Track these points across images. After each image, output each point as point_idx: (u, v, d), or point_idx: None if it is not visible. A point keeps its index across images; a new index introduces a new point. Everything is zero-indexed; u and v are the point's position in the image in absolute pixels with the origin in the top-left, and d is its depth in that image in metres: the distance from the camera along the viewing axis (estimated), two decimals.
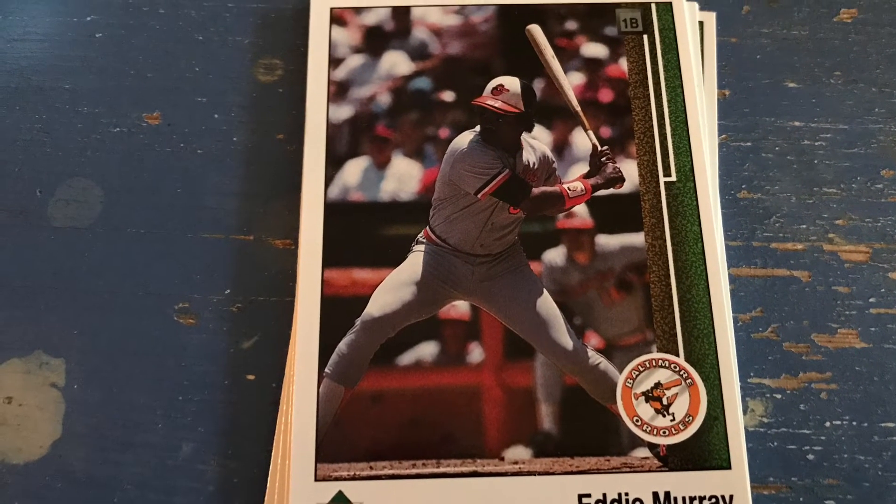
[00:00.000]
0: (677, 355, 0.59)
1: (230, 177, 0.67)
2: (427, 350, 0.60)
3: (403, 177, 0.64)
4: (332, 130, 0.65)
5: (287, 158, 0.67)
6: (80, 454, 0.59)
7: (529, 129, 0.64)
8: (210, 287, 0.63)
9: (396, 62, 0.68)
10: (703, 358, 0.59)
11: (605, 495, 0.56)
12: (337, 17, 0.69)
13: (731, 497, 0.55)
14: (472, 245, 0.63)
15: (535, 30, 0.67)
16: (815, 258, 0.64)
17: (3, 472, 0.59)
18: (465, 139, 0.63)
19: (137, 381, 0.61)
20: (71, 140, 0.68)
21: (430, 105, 0.66)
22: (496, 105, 0.63)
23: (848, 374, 0.61)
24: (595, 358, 0.60)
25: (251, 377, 0.61)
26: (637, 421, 0.57)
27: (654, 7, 0.68)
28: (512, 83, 0.63)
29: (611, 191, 0.63)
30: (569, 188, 0.63)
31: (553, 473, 0.56)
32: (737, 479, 0.56)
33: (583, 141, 0.65)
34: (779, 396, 0.61)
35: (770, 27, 0.72)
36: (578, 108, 0.65)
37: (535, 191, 0.63)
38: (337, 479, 0.56)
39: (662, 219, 0.62)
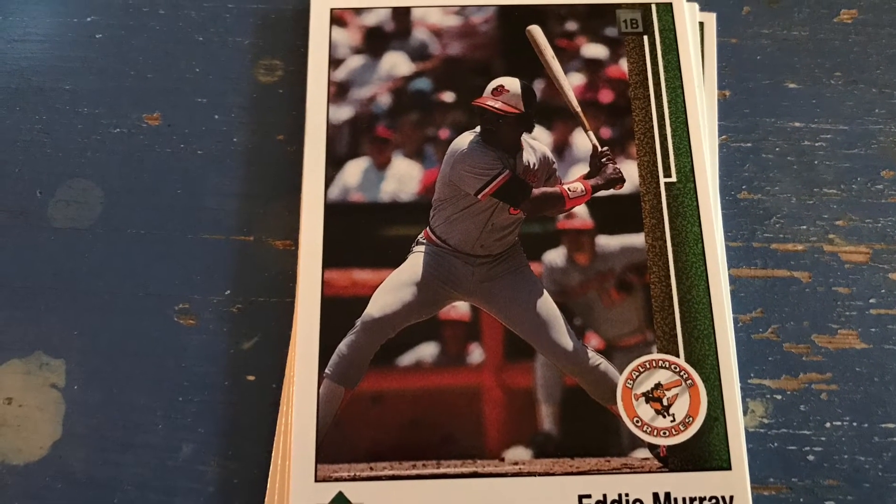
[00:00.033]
0: (677, 356, 0.59)
1: (230, 177, 0.67)
2: (427, 351, 0.60)
3: (403, 177, 0.64)
4: (333, 131, 0.65)
5: (287, 159, 0.67)
6: (80, 455, 0.59)
7: (530, 130, 0.64)
8: (210, 288, 0.63)
9: (397, 63, 0.68)
10: (704, 359, 0.59)
11: (605, 496, 0.55)
12: (337, 18, 0.69)
13: (732, 498, 0.55)
14: (472, 246, 0.63)
15: (536, 30, 0.67)
16: (815, 259, 0.64)
17: (4, 472, 0.59)
18: (465, 140, 0.63)
19: (137, 381, 0.61)
20: (71, 141, 0.68)
21: (431, 106, 0.66)
22: (496, 106, 0.63)
23: (848, 374, 0.61)
24: (595, 359, 0.60)
25: (251, 378, 0.61)
26: (637, 422, 0.57)
27: (654, 8, 0.68)
28: (512, 84, 0.64)
29: (611, 191, 0.63)
30: (569, 189, 0.63)
31: (553, 474, 0.56)
32: (737, 479, 0.56)
33: (583, 142, 0.65)
34: (779, 397, 0.61)
35: (770, 28, 0.72)
36: (579, 109, 0.65)
37: (536, 191, 0.63)
38: (337, 479, 0.56)
39: (663, 219, 0.62)
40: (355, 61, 0.68)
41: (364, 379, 0.59)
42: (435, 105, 0.66)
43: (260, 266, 0.64)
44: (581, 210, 0.63)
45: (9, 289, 0.63)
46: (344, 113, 0.66)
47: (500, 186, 0.62)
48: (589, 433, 0.58)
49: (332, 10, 0.69)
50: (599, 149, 0.64)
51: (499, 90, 0.63)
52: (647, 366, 0.59)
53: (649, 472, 0.56)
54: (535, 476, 0.56)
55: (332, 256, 0.61)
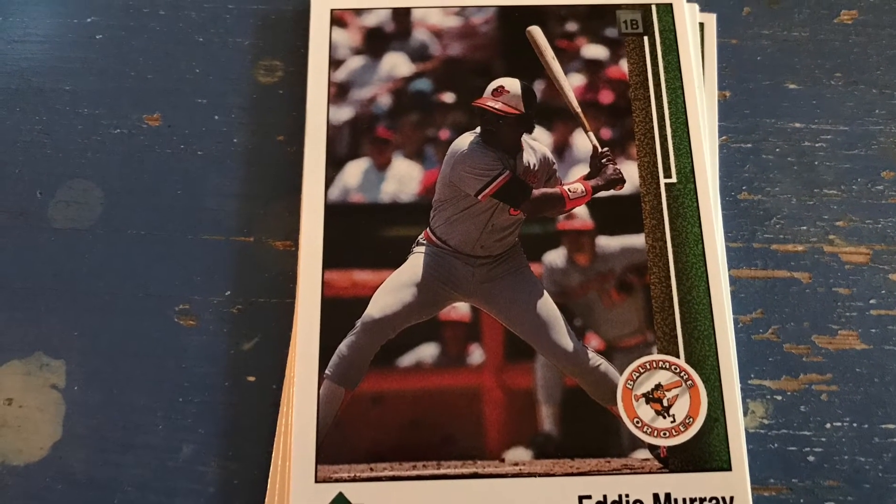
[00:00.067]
0: (678, 357, 0.59)
1: (230, 178, 0.67)
2: (427, 351, 0.60)
3: (404, 178, 0.64)
4: (333, 132, 0.65)
5: (287, 160, 0.67)
6: (80, 456, 0.59)
7: (530, 131, 0.64)
8: (210, 288, 0.63)
9: (397, 63, 0.68)
10: (704, 359, 0.59)
11: (605, 497, 0.55)
12: (337, 19, 0.69)
13: (732, 498, 0.55)
14: (472, 246, 0.63)
15: (536, 31, 0.67)
16: (815, 259, 0.64)
17: (4, 473, 0.59)
18: (465, 141, 0.63)
19: (138, 382, 0.61)
20: (71, 141, 0.68)
21: (431, 106, 0.66)
22: (496, 106, 0.63)
23: (848, 375, 0.61)
24: (595, 359, 0.60)
25: (251, 379, 0.61)
26: (637, 422, 0.57)
27: (654, 8, 0.68)
28: (512, 84, 0.64)
29: (611, 192, 0.63)
30: (569, 189, 0.63)
31: (553, 475, 0.56)
32: (737, 480, 0.56)
33: (583, 142, 0.65)
34: (779, 398, 0.61)
35: (770, 28, 0.72)
36: (579, 110, 0.65)
37: (536, 192, 0.63)
38: (337, 480, 0.56)
39: (663, 220, 0.62)
40: (355, 62, 0.68)
41: (364, 380, 0.59)
42: (435, 106, 0.66)
43: (260, 267, 0.64)
44: (581, 211, 0.63)
45: (9, 289, 0.63)
46: (344, 113, 0.66)
47: (500, 187, 0.62)
48: (589, 434, 0.58)
49: (332, 10, 0.69)
50: (600, 149, 0.64)
51: (499, 91, 0.63)
52: (648, 366, 0.59)
53: (649, 472, 0.56)
54: (535, 477, 0.56)
55: (333, 257, 0.61)
